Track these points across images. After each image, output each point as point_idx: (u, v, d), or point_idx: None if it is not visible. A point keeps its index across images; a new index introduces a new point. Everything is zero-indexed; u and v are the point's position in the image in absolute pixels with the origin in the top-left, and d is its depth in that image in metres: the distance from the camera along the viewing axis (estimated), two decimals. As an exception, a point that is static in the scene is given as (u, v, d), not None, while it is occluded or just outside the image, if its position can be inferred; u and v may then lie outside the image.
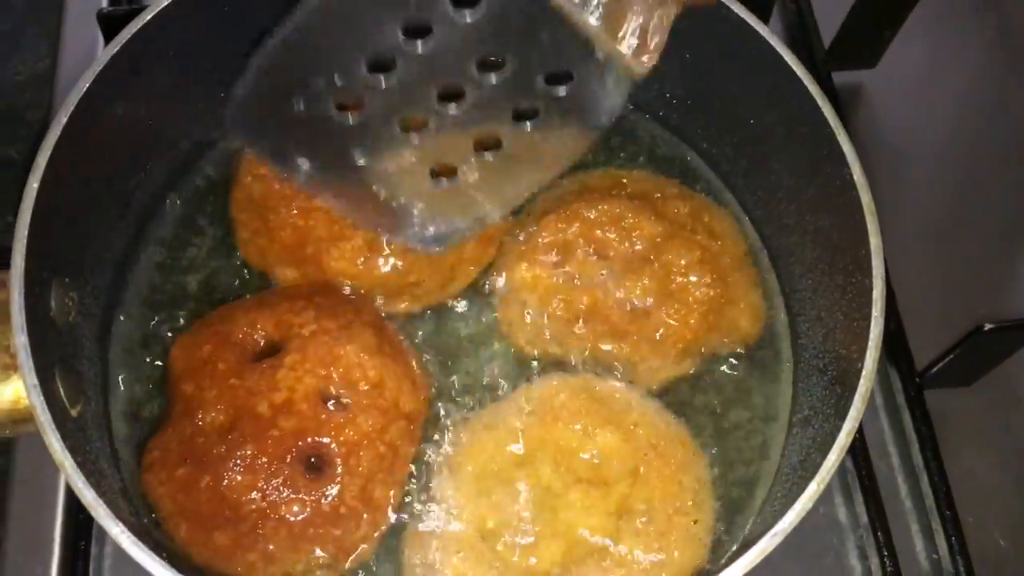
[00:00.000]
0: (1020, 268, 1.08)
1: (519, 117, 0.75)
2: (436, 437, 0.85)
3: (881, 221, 0.77)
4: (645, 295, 0.87)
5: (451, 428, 0.85)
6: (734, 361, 0.90)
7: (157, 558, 0.64)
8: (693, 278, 0.87)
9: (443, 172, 0.77)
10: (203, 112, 0.93)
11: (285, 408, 0.77)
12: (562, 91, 0.73)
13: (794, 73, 0.81)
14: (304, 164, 0.77)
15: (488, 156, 0.76)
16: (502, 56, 0.72)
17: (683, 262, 0.87)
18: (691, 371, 0.89)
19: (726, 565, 0.67)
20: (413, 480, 0.83)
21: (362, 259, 0.86)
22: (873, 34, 1.11)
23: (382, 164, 0.77)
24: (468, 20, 0.70)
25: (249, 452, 0.76)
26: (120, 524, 0.65)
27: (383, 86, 0.72)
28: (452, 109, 0.74)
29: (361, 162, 0.77)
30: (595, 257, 0.89)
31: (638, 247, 0.89)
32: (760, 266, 0.94)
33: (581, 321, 0.87)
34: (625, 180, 0.95)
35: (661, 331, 0.86)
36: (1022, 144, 1.14)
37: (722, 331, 0.89)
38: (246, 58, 0.91)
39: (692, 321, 0.86)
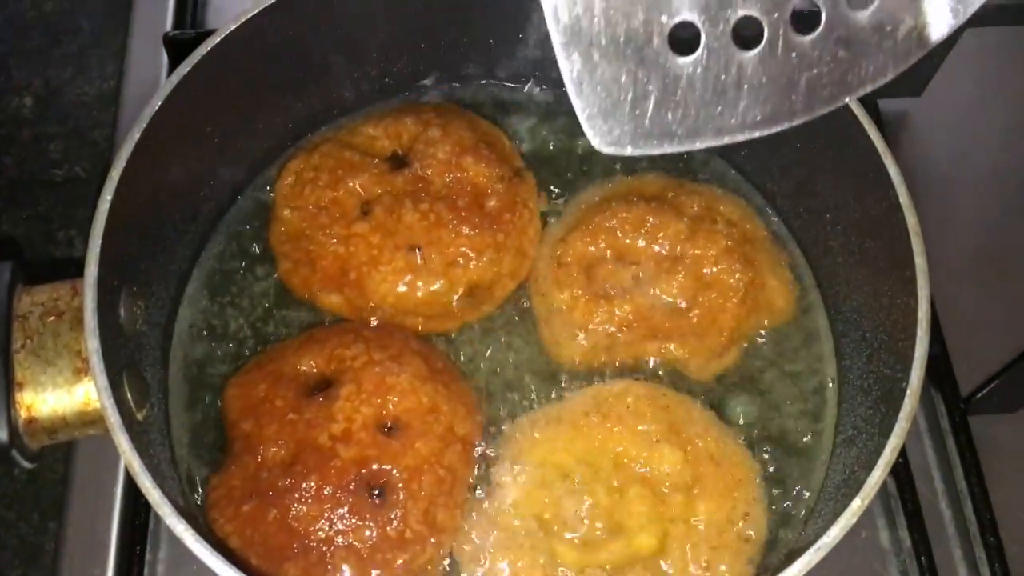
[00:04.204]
0: (1066, 295, 1.07)
1: None
2: (493, 430, 0.87)
3: (927, 247, 0.78)
4: (681, 292, 0.90)
5: (506, 426, 0.87)
6: (779, 383, 0.91)
7: (219, 556, 0.66)
8: (723, 267, 0.90)
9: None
10: (268, 127, 0.97)
11: (344, 438, 0.79)
12: None
13: (841, 98, 0.82)
14: None
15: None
16: None
17: (711, 253, 0.90)
18: (737, 360, 0.91)
19: (771, 578, 0.68)
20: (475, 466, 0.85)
21: (403, 280, 0.89)
22: (919, 63, 1.11)
23: None
24: None
25: (313, 483, 0.77)
26: (184, 522, 0.67)
27: None
28: None
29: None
30: (626, 264, 0.92)
31: (665, 247, 0.92)
32: (782, 244, 0.97)
33: (626, 329, 0.89)
34: (637, 184, 0.98)
35: (703, 323, 0.89)
36: (1068, 172, 1.14)
37: (760, 312, 0.92)
38: (307, 76, 0.95)
39: (731, 307, 0.89)
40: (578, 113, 0.59)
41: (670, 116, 0.60)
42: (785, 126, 0.61)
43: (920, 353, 0.74)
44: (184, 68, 0.82)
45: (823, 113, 0.61)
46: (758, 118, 0.61)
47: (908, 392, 0.73)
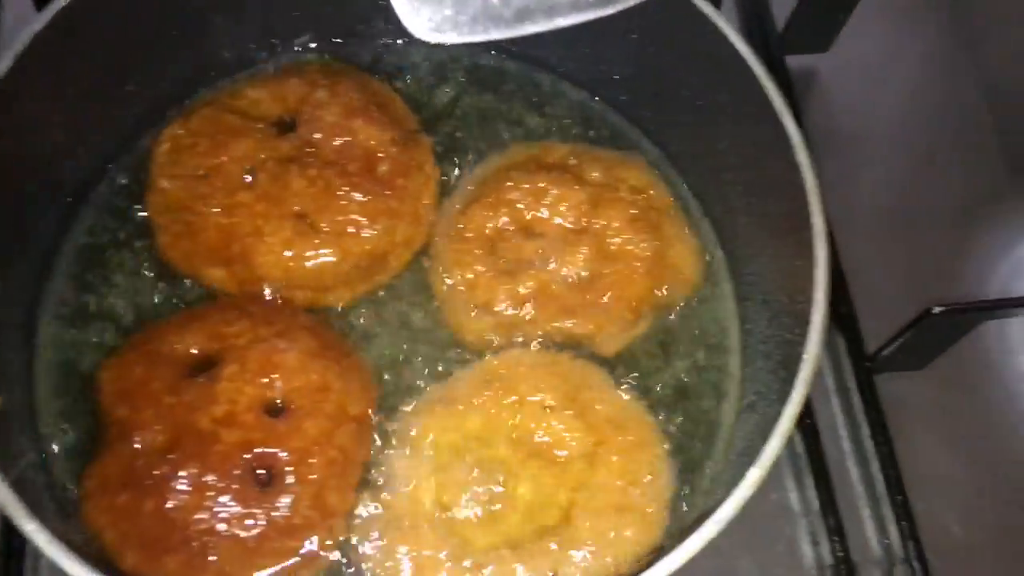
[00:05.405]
0: (970, 252, 1.09)
1: None
2: (389, 408, 0.85)
3: (833, 205, 0.77)
4: (586, 264, 0.88)
5: (403, 404, 0.84)
6: (684, 349, 0.90)
7: (74, 555, 0.62)
8: (628, 236, 0.88)
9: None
10: (140, 91, 0.92)
11: (227, 421, 0.77)
12: None
13: (740, 55, 0.80)
14: None
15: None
16: None
17: (616, 224, 0.88)
18: (646, 330, 0.89)
19: (669, 551, 0.67)
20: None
21: (291, 251, 0.85)
22: (826, 18, 1.11)
23: None
24: None
25: (193, 470, 0.74)
26: (35, 521, 0.62)
27: None
28: None
29: None
30: (529, 238, 0.89)
31: (568, 219, 0.89)
32: (687, 209, 0.95)
33: (529, 305, 0.87)
34: (538, 152, 0.95)
35: (610, 296, 0.87)
36: (972, 129, 1.15)
37: (667, 281, 0.90)
38: (181, 34, 0.90)
39: (638, 278, 0.87)
40: None
41: None
42: (617, 8, 0.60)
43: (818, 318, 0.73)
44: (36, 25, 0.76)
45: None
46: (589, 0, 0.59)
47: (805, 359, 0.72)
